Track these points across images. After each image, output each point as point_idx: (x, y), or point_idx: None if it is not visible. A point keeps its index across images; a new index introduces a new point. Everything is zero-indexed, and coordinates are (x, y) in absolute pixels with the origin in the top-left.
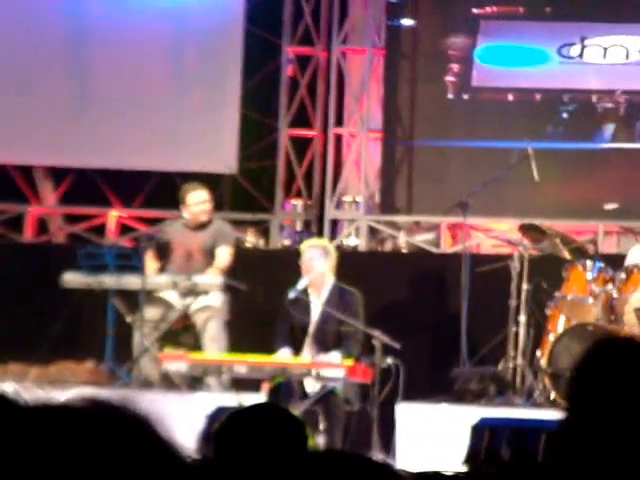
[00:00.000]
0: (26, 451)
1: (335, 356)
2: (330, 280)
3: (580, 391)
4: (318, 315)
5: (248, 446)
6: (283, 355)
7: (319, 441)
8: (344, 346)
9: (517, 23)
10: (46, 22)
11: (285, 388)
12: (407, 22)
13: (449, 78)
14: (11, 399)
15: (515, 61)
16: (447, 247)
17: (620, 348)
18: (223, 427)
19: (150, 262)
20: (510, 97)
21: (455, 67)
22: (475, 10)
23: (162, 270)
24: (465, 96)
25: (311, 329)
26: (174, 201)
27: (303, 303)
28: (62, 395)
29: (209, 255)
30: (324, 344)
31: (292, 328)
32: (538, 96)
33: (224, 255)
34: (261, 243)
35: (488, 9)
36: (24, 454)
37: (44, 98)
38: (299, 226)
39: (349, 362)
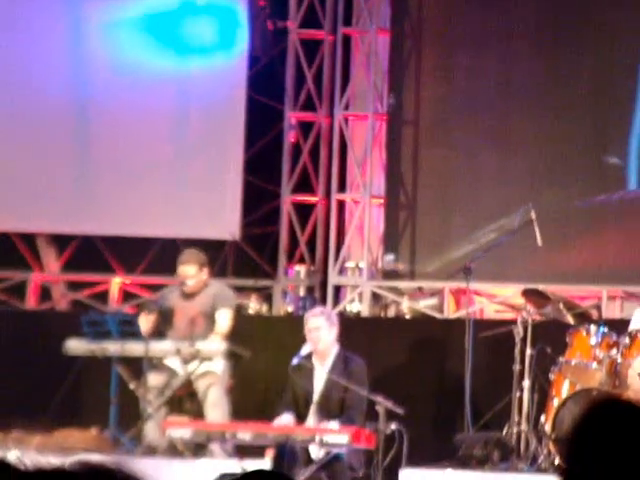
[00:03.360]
0: None
1: (334, 426)
2: (335, 348)
3: (579, 453)
4: (322, 383)
5: None
6: (284, 421)
7: None
8: (346, 415)
9: None
10: (49, 89)
11: (289, 454)
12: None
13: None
14: (12, 465)
15: None
16: (450, 312)
17: (618, 410)
18: None
19: (143, 321)
20: None
21: None
22: None
23: (160, 334)
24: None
25: (315, 397)
26: (177, 267)
27: (307, 370)
28: (65, 462)
29: (210, 319)
30: (328, 412)
31: (295, 396)
32: None
33: (224, 319)
34: (264, 309)
35: None
36: None
37: (47, 165)
38: (302, 292)
39: (351, 428)
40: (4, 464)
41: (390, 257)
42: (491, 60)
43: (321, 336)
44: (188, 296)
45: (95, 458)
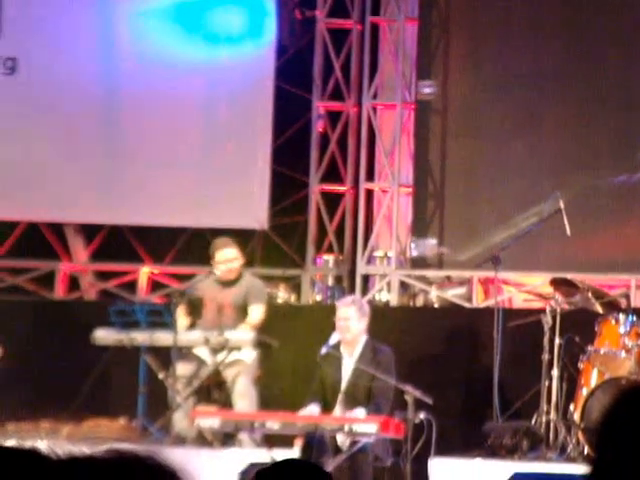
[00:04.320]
0: None
1: (360, 413)
2: (363, 337)
3: (608, 441)
4: (350, 372)
5: None
6: (310, 411)
7: None
8: (373, 404)
9: None
10: (78, 79)
11: (318, 443)
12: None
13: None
14: (43, 454)
15: None
16: (479, 302)
17: None
18: None
19: (181, 318)
20: None
21: None
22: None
23: (193, 326)
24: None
25: (343, 386)
26: (205, 257)
27: (335, 359)
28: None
29: (240, 310)
30: (355, 401)
31: (323, 385)
32: None
33: (257, 313)
34: (292, 298)
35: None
36: None
37: (75, 155)
38: (330, 281)
39: (380, 418)
40: (36, 454)
41: (432, 242)
42: (519, 48)
43: (350, 326)
44: (223, 284)
45: (125, 447)
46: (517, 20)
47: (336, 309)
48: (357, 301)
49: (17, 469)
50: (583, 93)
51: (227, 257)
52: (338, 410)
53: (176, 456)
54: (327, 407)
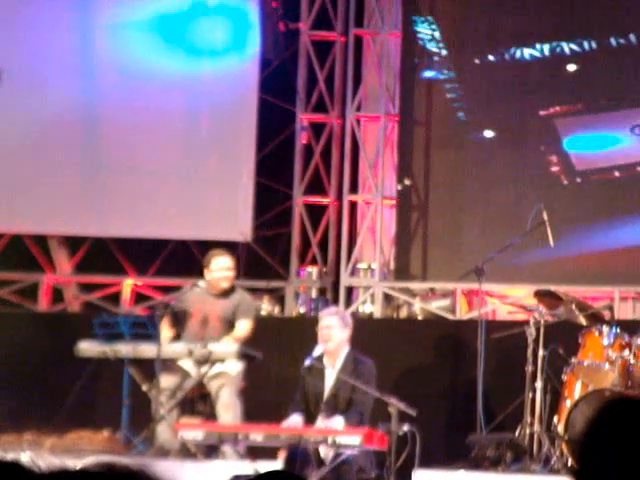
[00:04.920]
0: None
1: (339, 422)
2: (345, 348)
3: (591, 453)
4: (332, 382)
5: None
6: (293, 421)
7: None
8: (352, 411)
9: (584, 117)
10: (59, 91)
11: (301, 455)
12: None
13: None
14: (26, 467)
15: (604, 145)
16: (463, 313)
17: (631, 411)
18: None
19: (165, 330)
20: (616, 174)
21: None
22: (542, 112)
23: (177, 338)
24: (578, 179)
25: (325, 396)
26: (189, 269)
27: (318, 371)
28: (78, 464)
29: (227, 324)
30: (336, 410)
31: (306, 397)
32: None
33: (244, 328)
34: (276, 311)
35: (552, 110)
36: None
37: (58, 167)
38: (314, 293)
39: (364, 429)
40: (18, 466)
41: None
42: (503, 59)
43: (332, 334)
44: (215, 296)
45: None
46: (500, 33)
47: (319, 319)
48: (340, 312)
49: None
50: (569, 101)
51: (223, 265)
52: (319, 420)
53: (159, 468)
54: (310, 419)
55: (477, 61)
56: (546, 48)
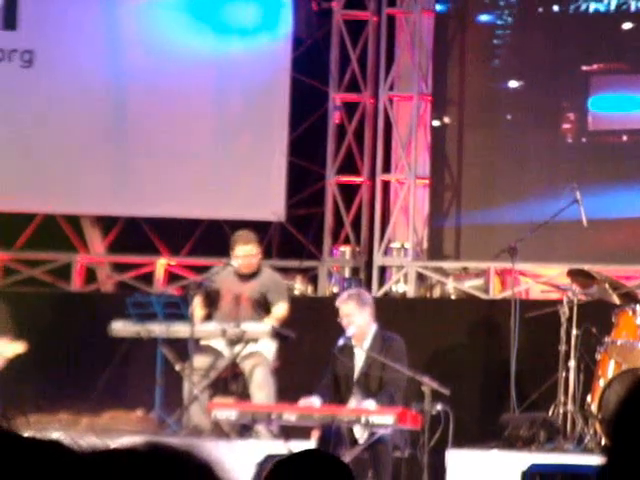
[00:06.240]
0: None
1: (370, 405)
2: (372, 327)
3: (624, 432)
4: (362, 362)
5: None
6: (309, 401)
7: None
8: (384, 393)
9: (620, 77)
10: (88, 72)
11: (335, 435)
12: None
13: (565, 125)
14: (67, 446)
15: (625, 108)
16: (496, 293)
17: None
18: (271, 475)
19: (198, 309)
20: (624, 138)
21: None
22: (585, 67)
23: (210, 317)
24: (583, 139)
25: (355, 376)
26: (222, 249)
27: (349, 350)
28: (112, 444)
29: (257, 303)
30: (368, 390)
31: (337, 378)
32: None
33: (281, 309)
34: (309, 290)
35: (595, 66)
36: None
37: (90, 147)
38: (347, 273)
39: (397, 409)
40: (57, 445)
41: None
42: (537, 38)
43: (353, 321)
44: (242, 277)
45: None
46: (534, 9)
47: (337, 308)
48: (353, 295)
49: (43, 461)
50: (601, 82)
51: (247, 253)
52: (353, 401)
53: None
54: (342, 399)
55: (540, 9)
56: (613, 2)
